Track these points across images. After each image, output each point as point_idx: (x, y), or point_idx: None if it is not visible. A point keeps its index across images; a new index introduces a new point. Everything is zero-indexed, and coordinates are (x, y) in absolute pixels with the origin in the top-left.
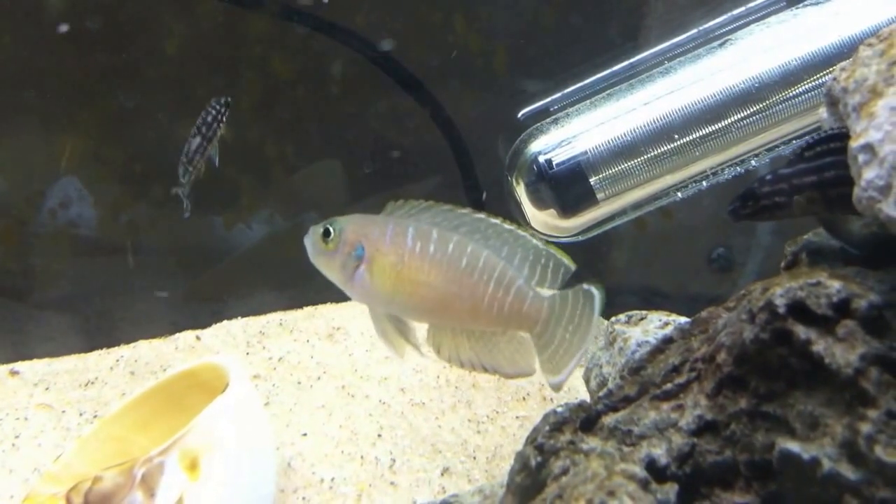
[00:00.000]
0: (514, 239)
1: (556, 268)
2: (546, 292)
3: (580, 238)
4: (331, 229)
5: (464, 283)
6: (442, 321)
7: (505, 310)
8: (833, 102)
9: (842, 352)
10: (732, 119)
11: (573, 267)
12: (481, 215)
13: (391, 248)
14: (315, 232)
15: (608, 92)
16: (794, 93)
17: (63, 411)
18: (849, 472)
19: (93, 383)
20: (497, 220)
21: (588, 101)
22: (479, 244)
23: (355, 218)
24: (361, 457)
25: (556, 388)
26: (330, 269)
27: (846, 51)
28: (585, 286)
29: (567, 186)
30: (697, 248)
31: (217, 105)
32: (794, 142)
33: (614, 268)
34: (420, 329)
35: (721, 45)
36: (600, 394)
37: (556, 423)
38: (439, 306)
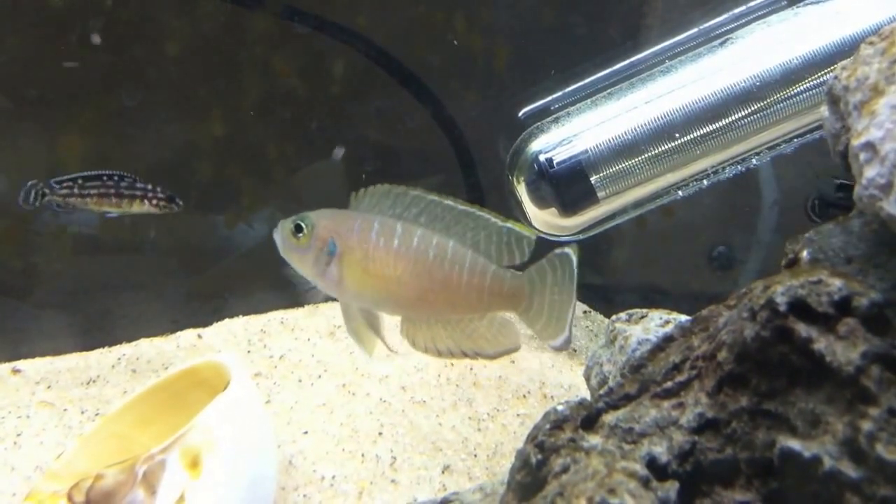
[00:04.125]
0: (474, 221)
1: (518, 241)
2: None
3: (581, 236)
4: (302, 225)
5: (435, 276)
6: (417, 313)
7: (485, 296)
8: (834, 101)
9: (843, 350)
10: (733, 118)
11: (534, 236)
12: (434, 196)
13: (358, 243)
14: (285, 227)
15: (609, 91)
16: (795, 91)
17: (65, 409)
18: (850, 469)
19: (94, 381)
20: (451, 202)
21: (589, 100)
22: (443, 234)
23: (326, 213)
24: (362, 455)
25: (563, 347)
26: (302, 264)
27: (847, 49)
28: (557, 251)
29: (568, 185)
30: (698, 246)
31: (156, 189)
32: (795, 140)
33: (615, 266)
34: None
35: (722, 43)
36: (601, 392)
37: (557, 421)
38: (412, 299)
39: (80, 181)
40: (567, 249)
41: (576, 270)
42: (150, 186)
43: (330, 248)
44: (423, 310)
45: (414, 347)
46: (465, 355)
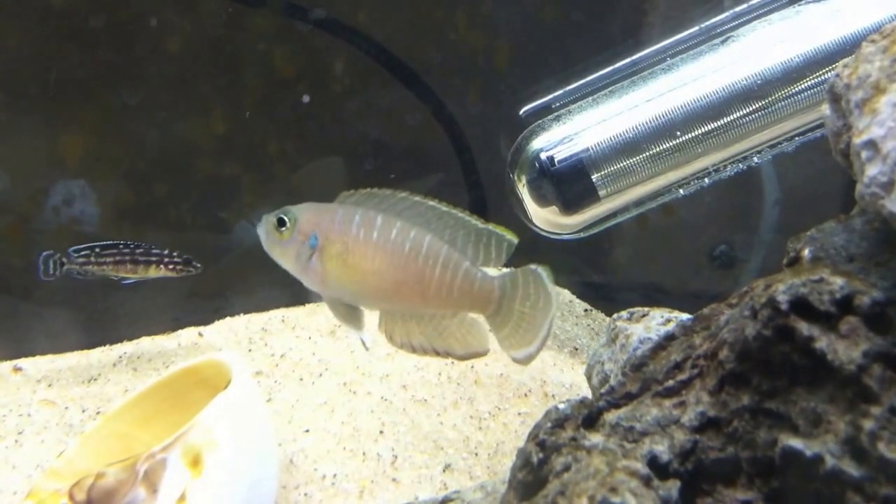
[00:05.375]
0: (455, 221)
1: (498, 243)
2: (493, 271)
3: (582, 235)
4: (285, 218)
5: (409, 269)
6: (392, 307)
7: (455, 293)
8: (836, 99)
9: (844, 348)
10: (735, 116)
11: (515, 239)
12: (419, 198)
13: (338, 236)
14: (268, 221)
15: (610, 89)
16: (796, 89)
17: (66, 407)
18: (851, 468)
19: (95, 380)
20: (435, 203)
21: (590, 98)
22: (423, 229)
23: (309, 206)
24: (363, 453)
25: (524, 362)
26: (284, 258)
27: (849, 47)
28: (532, 266)
29: (569, 183)
30: (699, 245)
31: (171, 254)
32: (796, 138)
33: (616, 264)
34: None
35: (723, 41)
36: (602, 390)
37: (558, 420)
38: (387, 293)
39: (97, 250)
40: (539, 269)
41: (550, 290)
42: (165, 252)
43: (311, 242)
44: (398, 303)
45: (391, 343)
46: (437, 353)
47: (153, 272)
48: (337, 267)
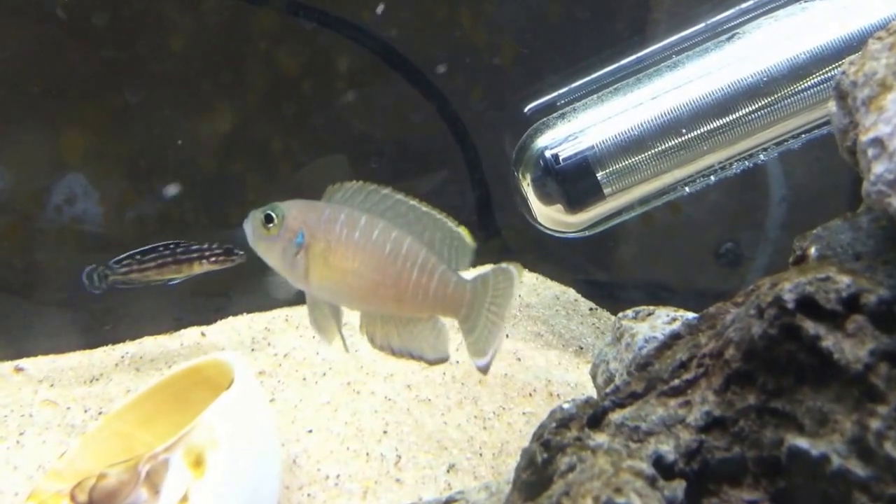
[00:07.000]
0: (433, 222)
1: (462, 248)
2: (466, 275)
3: (587, 233)
4: (273, 215)
5: (388, 271)
6: (371, 308)
7: (430, 295)
8: (842, 96)
9: (851, 347)
10: (740, 113)
11: (474, 245)
12: (400, 196)
13: (322, 234)
14: (255, 217)
15: (615, 86)
16: (802, 87)
17: (68, 408)
18: (858, 468)
19: (97, 380)
20: (415, 203)
21: (595, 96)
22: (404, 230)
23: (297, 203)
24: (367, 453)
25: (484, 370)
26: (271, 255)
27: (855, 44)
28: (504, 265)
29: (574, 181)
30: (705, 243)
31: (212, 247)
32: (802, 136)
33: (622, 263)
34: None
35: (729, 38)
36: (607, 390)
37: (563, 420)
38: (367, 294)
39: (137, 257)
40: (511, 266)
41: (514, 290)
42: (205, 246)
43: (298, 240)
44: (377, 305)
45: (371, 345)
46: (412, 356)
47: (197, 268)
48: (320, 266)
